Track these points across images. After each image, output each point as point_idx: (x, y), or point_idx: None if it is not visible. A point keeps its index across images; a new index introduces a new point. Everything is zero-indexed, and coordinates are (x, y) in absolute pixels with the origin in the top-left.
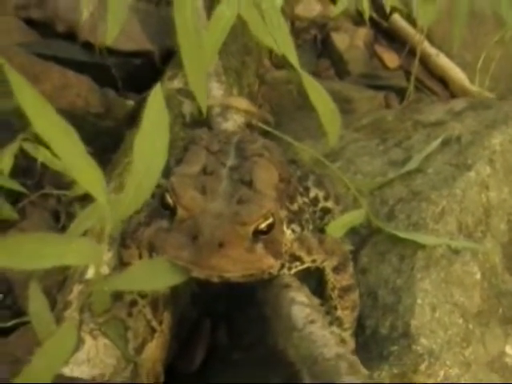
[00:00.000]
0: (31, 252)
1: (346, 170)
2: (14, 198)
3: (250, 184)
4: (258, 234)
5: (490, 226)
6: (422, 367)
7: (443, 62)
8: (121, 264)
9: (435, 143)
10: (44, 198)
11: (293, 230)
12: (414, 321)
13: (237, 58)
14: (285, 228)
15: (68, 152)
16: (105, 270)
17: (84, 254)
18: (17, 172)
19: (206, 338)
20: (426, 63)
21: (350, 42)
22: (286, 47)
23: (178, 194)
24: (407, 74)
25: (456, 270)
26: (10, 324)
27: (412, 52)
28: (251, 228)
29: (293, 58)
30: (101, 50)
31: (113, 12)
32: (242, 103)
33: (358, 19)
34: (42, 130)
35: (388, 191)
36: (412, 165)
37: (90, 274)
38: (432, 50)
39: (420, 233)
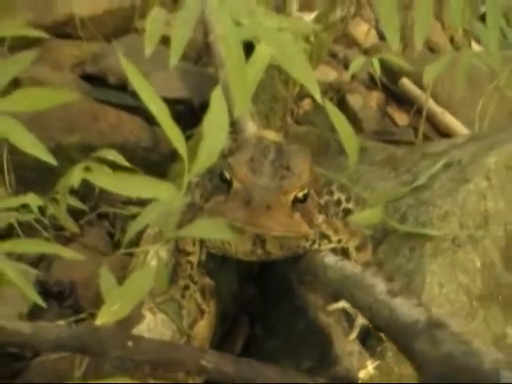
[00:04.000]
0: (134, 186)
1: (364, 191)
2: (74, 218)
3: (288, 168)
4: (296, 202)
5: (489, 231)
6: None
7: (448, 119)
8: (177, 251)
9: (439, 164)
10: (100, 220)
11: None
12: (424, 295)
13: (266, 105)
14: (316, 209)
15: (162, 115)
16: (164, 254)
17: (170, 192)
18: (76, 197)
19: (244, 331)
20: (432, 121)
21: (364, 103)
22: (310, 83)
23: (235, 170)
24: (415, 130)
25: (459, 258)
26: (71, 320)
27: (420, 111)
28: (291, 196)
29: (315, 90)
30: None
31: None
32: (272, 135)
33: (370, 85)
34: (146, 100)
35: (400, 202)
36: (420, 181)
37: (152, 264)
38: (438, 109)
39: (427, 229)
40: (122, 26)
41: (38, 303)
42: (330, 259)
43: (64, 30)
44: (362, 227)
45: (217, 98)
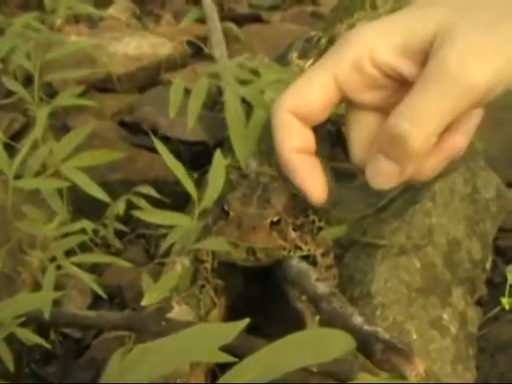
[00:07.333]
0: (163, 217)
1: (340, 212)
2: (118, 238)
3: (268, 201)
4: (272, 225)
5: (432, 239)
6: (378, 312)
7: None
8: (196, 260)
9: (397, 189)
10: (137, 239)
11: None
12: (372, 288)
13: (266, 145)
14: (290, 228)
15: (173, 163)
16: (186, 263)
17: (187, 220)
18: (119, 222)
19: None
20: None
21: None
22: None
23: (230, 204)
24: None
25: (402, 261)
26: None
27: None
28: (269, 220)
29: None
30: (174, 141)
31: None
32: (270, 170)
33: None
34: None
35: (364, 220)
36: (380, 204)
37: (178, 269)
38: None
39: (381, 240)
40: (150, 79)
41: (99, 295)
42: (294, 262)
43: (104, 85)
44: (326, 239)
45: (218, 159)
